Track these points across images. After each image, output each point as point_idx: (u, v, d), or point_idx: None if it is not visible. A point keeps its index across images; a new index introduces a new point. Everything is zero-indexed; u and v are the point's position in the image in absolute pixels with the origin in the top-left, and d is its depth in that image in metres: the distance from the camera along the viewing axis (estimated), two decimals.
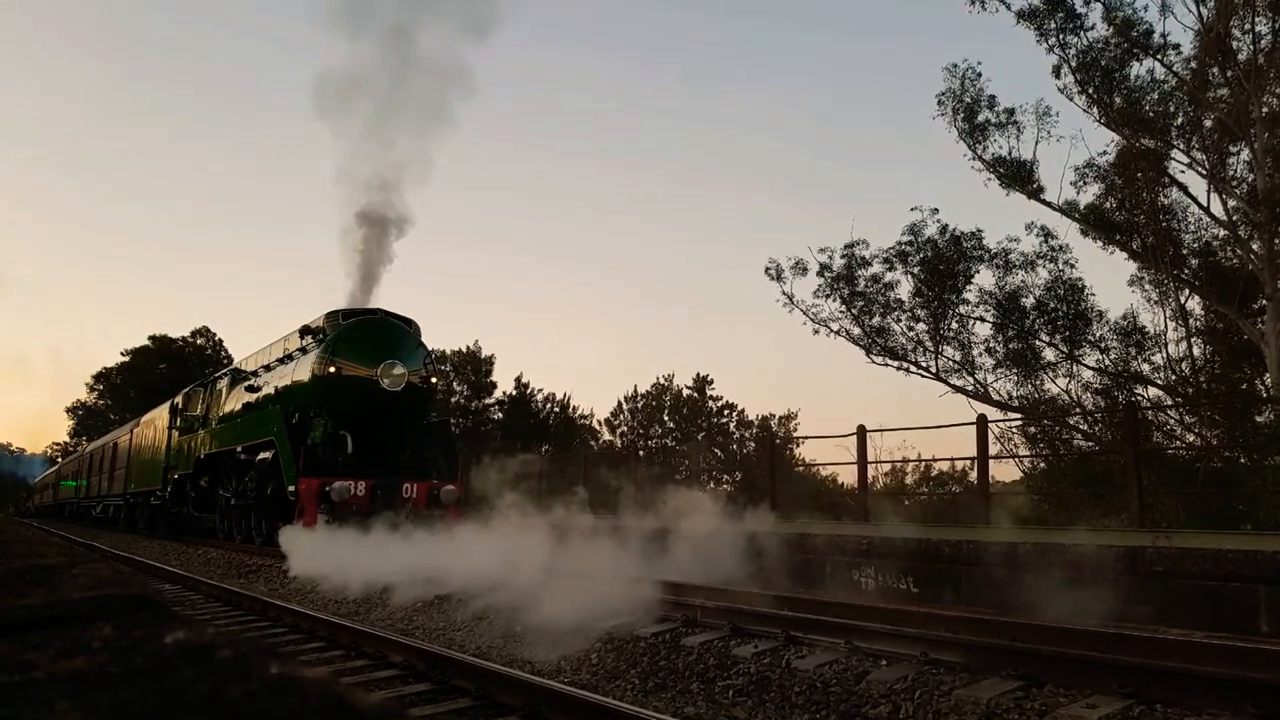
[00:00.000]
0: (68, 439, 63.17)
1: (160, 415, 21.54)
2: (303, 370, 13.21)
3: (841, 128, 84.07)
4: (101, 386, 60.22)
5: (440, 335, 48.60)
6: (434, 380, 13.54)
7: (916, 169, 70.40)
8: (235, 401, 15.98)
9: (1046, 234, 18.45)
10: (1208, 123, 16.83)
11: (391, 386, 12.60)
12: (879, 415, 34.49)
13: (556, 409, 36.80)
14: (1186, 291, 17.66)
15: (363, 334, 12.91)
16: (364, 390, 12.49)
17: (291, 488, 11.84)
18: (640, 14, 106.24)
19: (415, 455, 13.09)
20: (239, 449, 14.15)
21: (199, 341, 59.03)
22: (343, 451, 12.31)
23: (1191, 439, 16.29)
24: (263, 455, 13.07)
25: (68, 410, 63.16)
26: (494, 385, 36.45)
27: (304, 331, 13.73)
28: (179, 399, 19.93)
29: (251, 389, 15.20)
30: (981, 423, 12.44)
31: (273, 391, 14.19)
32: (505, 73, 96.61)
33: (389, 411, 12.64)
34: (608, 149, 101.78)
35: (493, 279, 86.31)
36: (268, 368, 15.25)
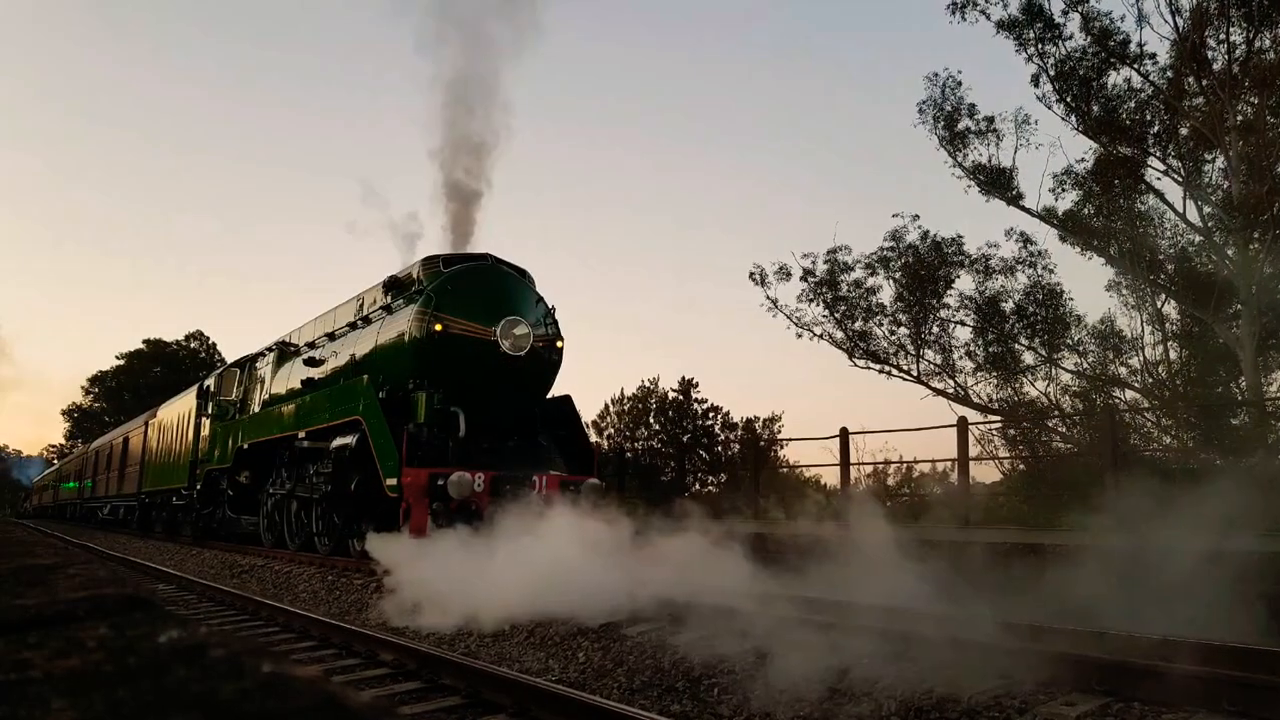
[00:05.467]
0: (63, 441, 63.07)
1: (183, 403, 18.96)
2: (392, 331, 10.66)
3: (825, 132, 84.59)
4: (97, 389, 60.05)
5: None
6: (559, 344, 10.88)
7: (899, 175, 70.86)
8: (288, 379, 13.45)
9: (1026, 240, 18.69)
10: (1183, 131, 17.06)
11: (513, 350, 10.15)
12: (861, 417, 34.65)
13: None
14: (1163, 296, 17.92)
15: (474, 284, 10.40)
16: (479, 354, 10.04)
17: (392, 481, 9.28)
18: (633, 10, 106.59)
19: (533, 439, 10.70)
20: (301, 434, 11.64)
21: (193, 345, 59.02)
22: (454, 434, 9.81)
23: (1168, 441, 16.56)
24: (341, 440, 10.50)
25: (63, 413, 63.18)
26: None
27: (389, 285, 11.17)
28: (210, 381, 17.13)
29: (312, 362, 12.54)
30: (962, 425, 12.64)
31: (348, 361, 11.64)
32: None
33: (509, 382, 10.21)
34: (600, 139, 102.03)
35: None
36: (332, 335, 12.65)
